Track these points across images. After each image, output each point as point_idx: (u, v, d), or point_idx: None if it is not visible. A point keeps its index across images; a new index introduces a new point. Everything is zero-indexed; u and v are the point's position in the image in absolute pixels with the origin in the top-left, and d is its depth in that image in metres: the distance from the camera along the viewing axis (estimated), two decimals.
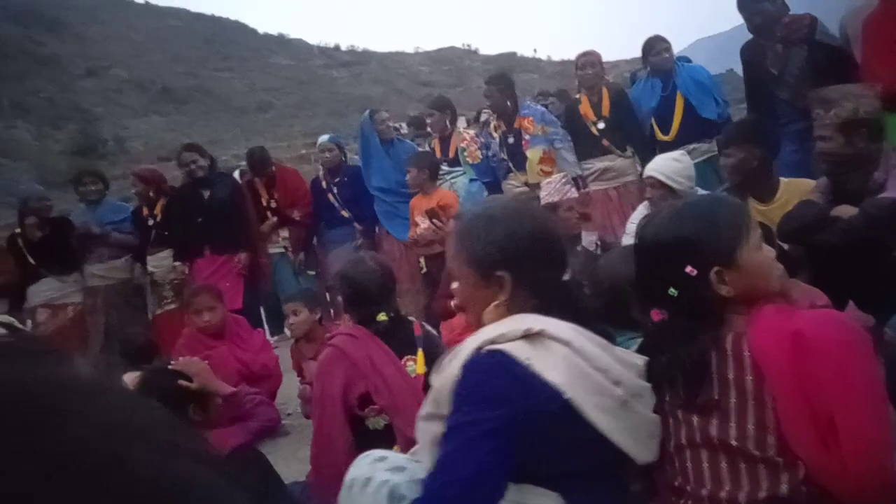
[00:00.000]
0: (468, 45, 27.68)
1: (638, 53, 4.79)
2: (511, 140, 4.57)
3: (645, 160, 4.32)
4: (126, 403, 0.32)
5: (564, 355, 1.21)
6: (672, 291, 1.31)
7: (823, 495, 1.19)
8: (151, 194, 4.82)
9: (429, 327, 2.41)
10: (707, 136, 4.24)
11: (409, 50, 29.26)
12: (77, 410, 0.29)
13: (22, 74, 24.15)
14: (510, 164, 4.59)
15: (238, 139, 18.52)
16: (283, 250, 5.14)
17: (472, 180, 4.77)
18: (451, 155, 4.83)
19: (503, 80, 4.75)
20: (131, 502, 0.26)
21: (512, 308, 1.31)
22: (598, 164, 4.52)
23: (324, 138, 5.33)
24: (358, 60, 29.23)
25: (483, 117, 6.12)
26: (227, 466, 0.32)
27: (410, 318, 2.41)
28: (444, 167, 4.78)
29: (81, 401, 0.30)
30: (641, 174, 4.28)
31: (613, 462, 1.27)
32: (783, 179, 2.93)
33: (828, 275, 2.24)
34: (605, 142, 4.49)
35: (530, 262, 1.32)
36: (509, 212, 1.38)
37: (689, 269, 1.29)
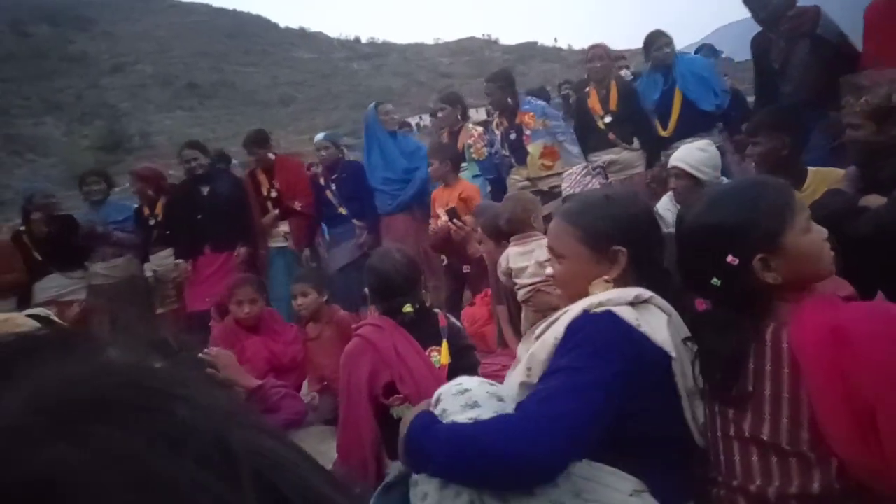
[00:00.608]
0: (488, 36, 27.57)
1: None
2: (513, 136, 4.63)
3: (650, 154, 4.45)
4: (213, 388, 0.34)
5: (668, 323, 1.29)
6: (715, 282, 1.26)
7: (858, 491, 1.15)
8: (151, 193, 4.81)
9: (453, 319, 2.43)
10: (705, 129, 4.23)
11: (429, 41, 29.11)
12: (182, 395, 0.31)
13: (52, 72, 24.60)
14: (512, 160, 4.64)
15: None
16: (283, 244, 5.01)
17: (475, 176, 4.82)
18: (458, 150, 4.81)
19: (502, 77, 4.80)
20: (234, 478, 0.28)
21: (619, 285, 1.37)
22: (604, 156, 4.54)
23: (319, 137, 5.28)
24: (378, 53, 29.24)
25: None
26: (299, 448, 0.34)
27: (436, 309, 2.43)
28: None
29: (182, 386, 0.32)
30: (647, 167, 4.37)
31: (685, 444, 1.32)
32: (811, 168, 2.88)
33: (856, 265, 2.21)
34: (611, 135, 4.51)
35: (645, 242, 1.39)
36: (624, 195, 1.48)
37: (730, 258, 1.23)
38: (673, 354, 1.26)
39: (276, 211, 4.93)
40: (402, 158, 4.84)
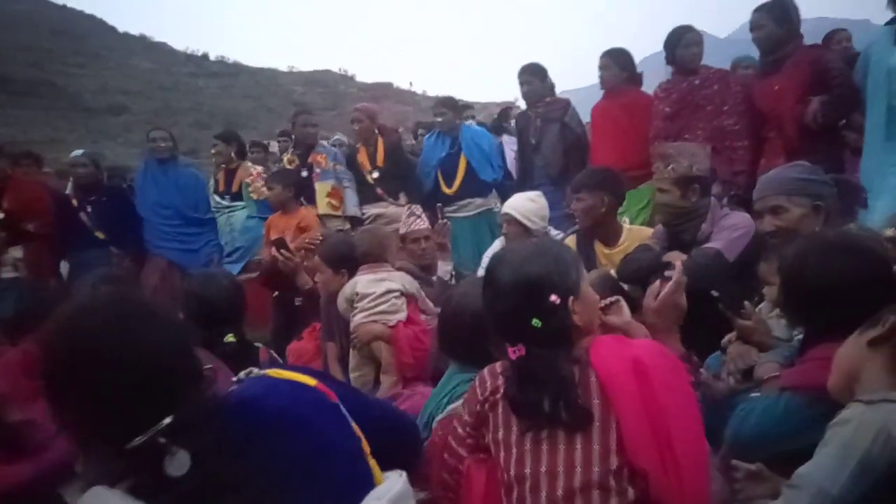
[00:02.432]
0: (345, 71, 27.69)
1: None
2: (304, 174, 4.75)
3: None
4: None
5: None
6: (536, 322, 1.37)
7: None
8: None
9: (274, 354, 2.31)
10: (484, 193, 4.80)
11: (283, 68, 28.45)
12: None
13: None
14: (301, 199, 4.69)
15: (84, 140, 16.94)
16: (13, 275, 4.39)
17: (249, 217, 4.80)
18: (234, 189, 4.84)
19: (309, 113, 5.09)
20: None
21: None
22: (372, 209, 4.84)
23: (77, 153, 5.00)
24: (228, 72, 28.03)
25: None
26: None
27: (256, 343, 2.28)
28: (225, 201, 4.82)
29: None
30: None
31: None
32: (625, 226, 3.16)
33: None
34: (378, 190, 4.81)
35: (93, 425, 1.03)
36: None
37: (553, 297, 1.37)
38: None
39: (3, 234, 4.41)
40: (175, 192, 4.79)
